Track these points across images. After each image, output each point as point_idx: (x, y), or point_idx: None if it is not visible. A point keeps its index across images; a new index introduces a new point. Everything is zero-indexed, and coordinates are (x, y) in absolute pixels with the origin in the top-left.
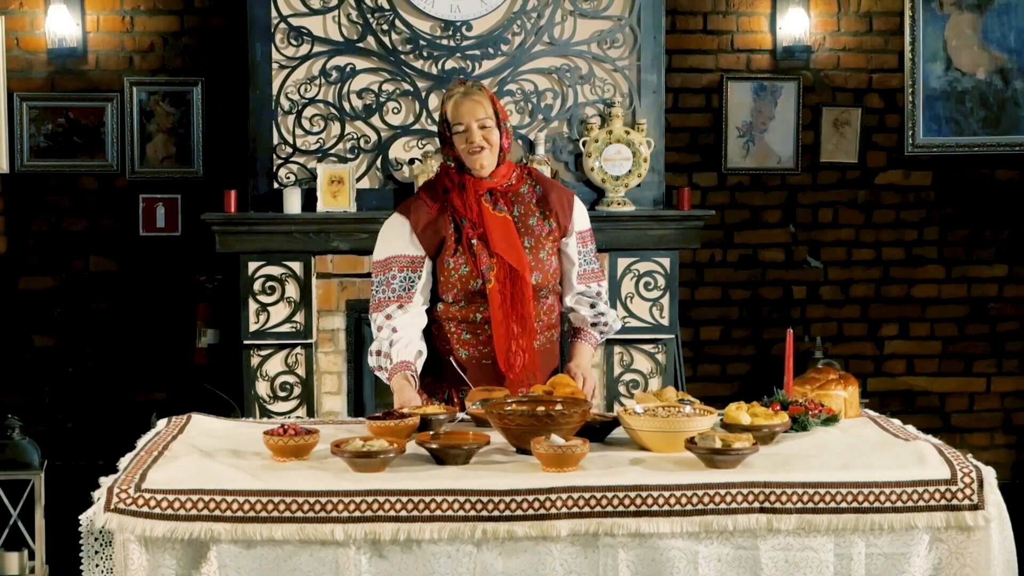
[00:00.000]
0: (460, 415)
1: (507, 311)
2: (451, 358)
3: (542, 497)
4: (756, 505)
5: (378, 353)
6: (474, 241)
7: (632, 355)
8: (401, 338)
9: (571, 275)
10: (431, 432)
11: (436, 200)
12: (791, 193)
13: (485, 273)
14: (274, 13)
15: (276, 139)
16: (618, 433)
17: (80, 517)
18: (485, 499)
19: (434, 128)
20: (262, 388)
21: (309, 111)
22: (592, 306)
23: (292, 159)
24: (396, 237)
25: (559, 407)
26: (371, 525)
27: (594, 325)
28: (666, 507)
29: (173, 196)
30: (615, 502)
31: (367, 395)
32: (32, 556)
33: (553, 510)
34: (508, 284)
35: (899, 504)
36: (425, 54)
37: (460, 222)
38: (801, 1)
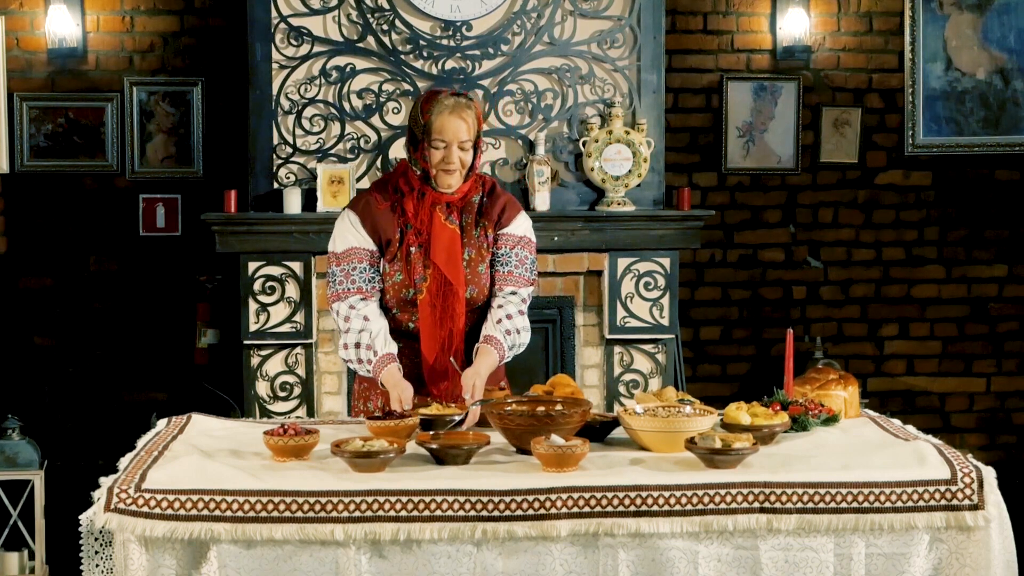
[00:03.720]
0: (458, 417)
1: (436, 324)
2: (451, 358)
3: (542, 497)
4: (756, 505)
5: (356, 346)
6: (412, 249)
7: (632, 355)
8: (380, 330)
9: (494, 275)
10: (432, 432)
11: (387, 199)
12: (791, 193)
13: (418, 283)
14: (274, 13)
15: (276, 139)
16: (618, 433)
17: (80, 517)
18: (485, 499)
19: None
20: (262, 388)
21: (309, 111)
22: (500, 307)
23: (292, 159)
24: (352, 230)
25: (559, 407)
26: (371, 525)
27: (499, 322)
28: (666, 507)
29: (173, 196)
30: (615, 502)
31: None
32: (32, 556)
33: (553, 510)
34: (440, 297)
35: (899, 504)
36: (425, 54)
37: (405, 227)
38: (801, 1)
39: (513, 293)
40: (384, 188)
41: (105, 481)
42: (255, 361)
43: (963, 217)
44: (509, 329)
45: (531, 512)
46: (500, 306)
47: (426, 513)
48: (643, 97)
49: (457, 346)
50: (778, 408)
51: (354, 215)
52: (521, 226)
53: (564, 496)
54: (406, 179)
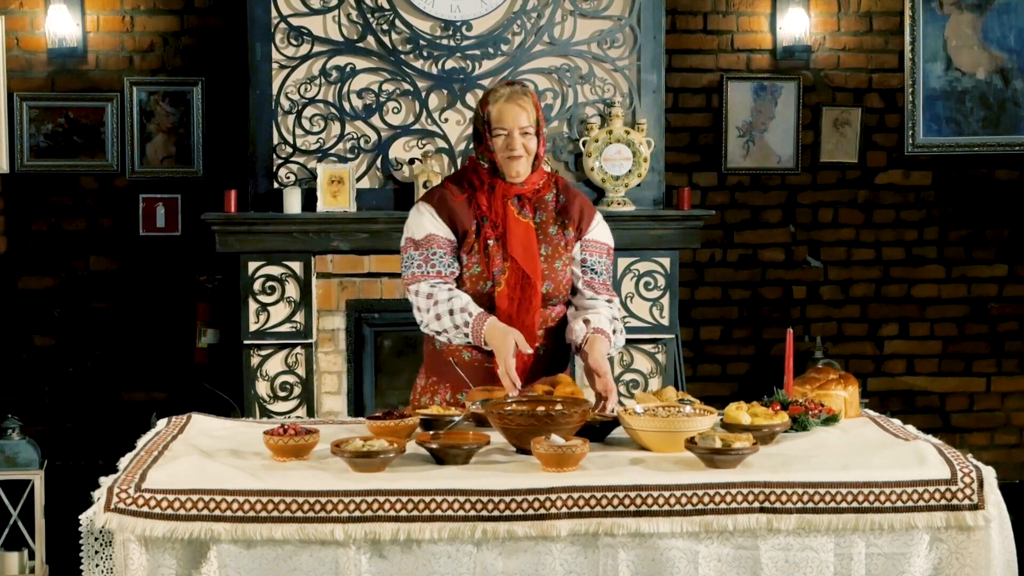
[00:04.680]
0: (458, 417)
1: (512, 318)
2: (452, 359)
3: (542, 497)
4: (756, 505)
5: (450, 312)
6: (490, 242)
7: (632, 355)
8: (468, 298)
9: (578, 281)
10: (432, 432)
11: (463, 192)
12: (791, 193)
13: (496, 276)
14: (274, 13)
15: (276, 139)
16: (618, 433)
17: (80, 517)
18: (485, 499)
19: (434, 128)
20: (262, 388)
21: (309, 111)
22: (609, 305)
23: (292, 159)
24: (431, 219)
25: (559, 407)
26: (371, 525)
27: (613, 319)
28: (666, 507)
29: (173, 196)
30: (615, 502)
31: (367, 395)
32: (32, 556)
33: (553, 510)
34: (518, 290)
35: (899, 504)
36: (425, 54)
37: (481, 220)
38: (801, 1)
39: (609, 302)
40: (459, 182)
41: (105, 481)
42: (255, 361)
43: (963, 217)
44: (616, 329)
45: (531, 512)
46: (609, 305)
47: (426, 513)
48: (643, 97)
49: (531, 340)
50: (778, 408)
51: (430, 206)
52: (604, 233)
53: (564, 496)
54: (477, 175)
